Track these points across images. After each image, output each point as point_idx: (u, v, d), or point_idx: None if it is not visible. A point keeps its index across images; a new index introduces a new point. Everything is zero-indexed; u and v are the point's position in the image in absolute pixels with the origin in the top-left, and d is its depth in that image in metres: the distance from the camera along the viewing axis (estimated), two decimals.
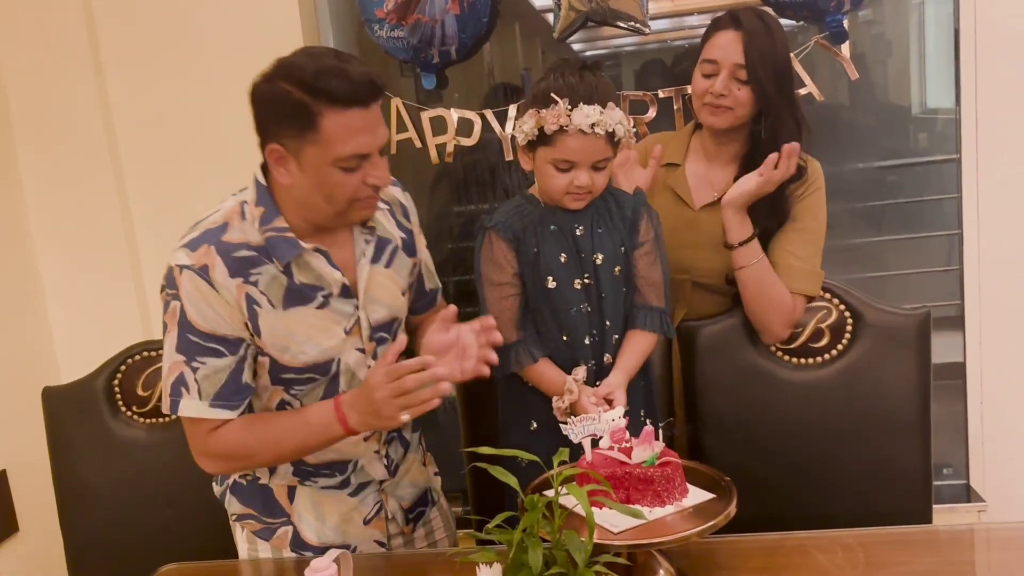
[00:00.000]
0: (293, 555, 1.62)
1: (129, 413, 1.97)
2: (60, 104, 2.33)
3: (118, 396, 1.97)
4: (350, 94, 1.33)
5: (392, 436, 1.66)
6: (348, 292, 1.52)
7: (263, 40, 2.28)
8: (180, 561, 1.67)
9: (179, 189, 2.38)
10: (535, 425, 1.72)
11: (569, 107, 1.54)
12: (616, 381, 1.64)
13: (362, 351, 1.55)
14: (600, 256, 1.65)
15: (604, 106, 1.55)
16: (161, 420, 1.97)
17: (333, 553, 1.23)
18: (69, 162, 2.36)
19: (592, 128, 1.54)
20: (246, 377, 1.48)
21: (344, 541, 1.62)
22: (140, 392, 1.97)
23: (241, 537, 1.66)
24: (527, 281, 1.67)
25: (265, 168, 1.47)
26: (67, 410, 1.97)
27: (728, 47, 1.78)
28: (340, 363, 1.53)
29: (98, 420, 1.95)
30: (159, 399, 1.95)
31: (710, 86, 1.81)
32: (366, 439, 1.59)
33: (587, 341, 1.67)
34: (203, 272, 1.42)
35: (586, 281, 1.66)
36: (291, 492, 1.61)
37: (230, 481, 1.65)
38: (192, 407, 1.46)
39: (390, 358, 1.40)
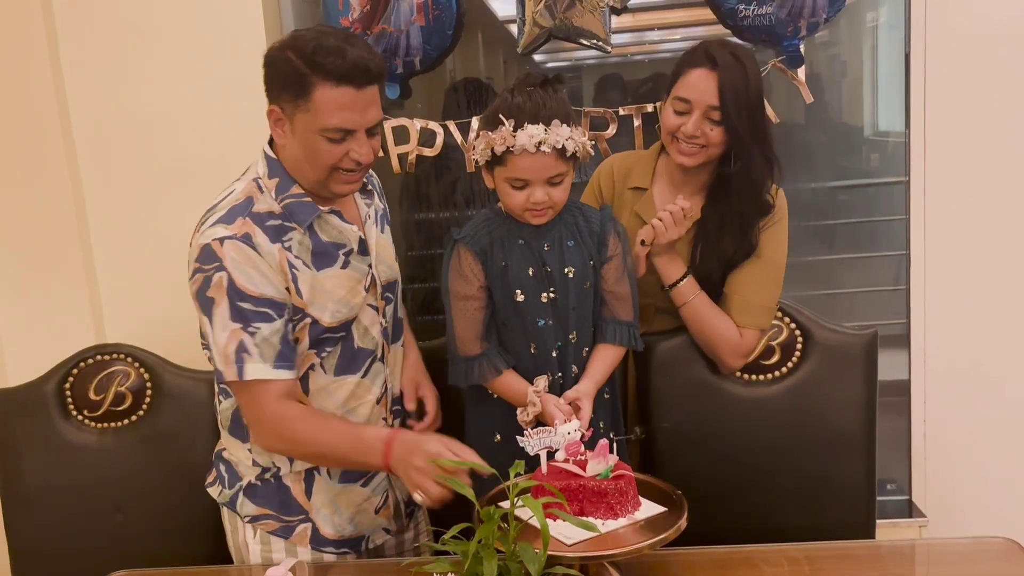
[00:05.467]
0: (311, 553, 1.65)
1: (80, 417, 1.95)
2: (15, 102, 2.29)
3: (69, 400, 1.95)
4: (342, 73, 1.44)
5: (397, 409, 1.75)
6: (364, 249, 1.64)
7: (226, 45, 2.28)
8: (128, 568, 1.65)
9: (135, 190, 2.35)
10: (498, 437, 1.74)
11: (514, 128, 1.56)
12: (585, 389, 1.67)
13: (375, 308, 1.66)
14: (571, 270, 1.68)
15: (550, 124, 1.55)
16: (114, 425, 1.95)
17: (289, 562, 1.23)
18: (23, 161, 2.31)
19: (538, 147, 1.55)
20: (291, 339, 1.54)
21: (358, 532, 1.71)
22: (92, 396, 1.95)
23: (253, 539, 1.66)
24: (496, 294, 1.69)
25: (271, 143, 1.58)
26: (15, 413, 1.94)
27: (702, 87, 1.74)
28: (356, 320, 1.62)
29: (48, 424, 1.93)
30: (112, 402, 1.94)
31: (682, 124, 1.77)
32: (378, 402, 1.69)
33: (554, 353, 1.70)
34: (246, 239, 1.49)
35: (551, 295, 1.68)
36: (308, 488, 1.65)
37: (243, 483, 1.66)
38: (258, 370, 1.49)
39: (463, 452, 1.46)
